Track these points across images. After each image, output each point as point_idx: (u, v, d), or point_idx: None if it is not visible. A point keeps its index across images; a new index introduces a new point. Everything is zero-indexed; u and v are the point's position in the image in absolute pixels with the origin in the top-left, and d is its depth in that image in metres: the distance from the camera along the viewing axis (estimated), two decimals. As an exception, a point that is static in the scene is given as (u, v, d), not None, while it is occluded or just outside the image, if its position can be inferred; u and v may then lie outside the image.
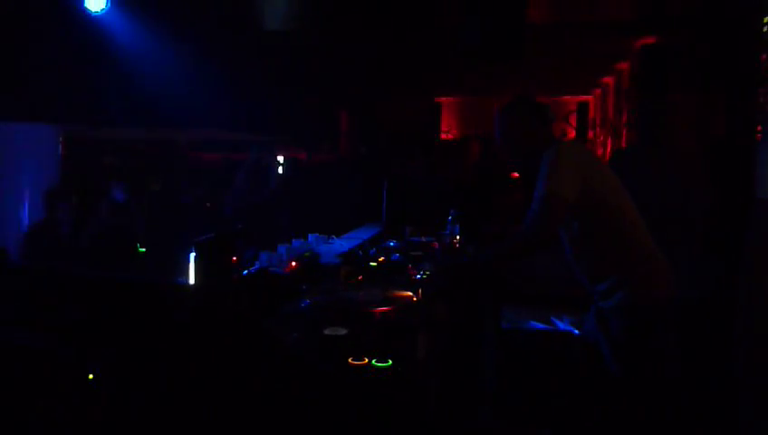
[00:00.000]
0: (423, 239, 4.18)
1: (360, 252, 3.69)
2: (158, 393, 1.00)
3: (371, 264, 3.29)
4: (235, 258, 3.14)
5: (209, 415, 1.05)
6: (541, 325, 3.98)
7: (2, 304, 1.14)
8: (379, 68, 8.79)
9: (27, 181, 5.92)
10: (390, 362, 1.81)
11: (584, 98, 11.46)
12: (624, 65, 8.82)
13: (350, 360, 1.79)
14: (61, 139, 6.43)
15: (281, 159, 9.43)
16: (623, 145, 8.22)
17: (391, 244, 3.96)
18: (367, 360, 1.81)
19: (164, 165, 8.85)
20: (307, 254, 3.43)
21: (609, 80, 10.12)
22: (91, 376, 0.93)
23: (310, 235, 4.16)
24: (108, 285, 1.10)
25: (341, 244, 4.13)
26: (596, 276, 2.64)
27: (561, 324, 3.98)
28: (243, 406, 1.07)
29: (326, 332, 2.00)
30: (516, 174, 8.43)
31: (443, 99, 10.92)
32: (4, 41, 5.60)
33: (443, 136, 10.39)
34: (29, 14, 5.63)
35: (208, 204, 6.88)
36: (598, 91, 11.14)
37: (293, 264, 3.16)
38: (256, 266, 3.13)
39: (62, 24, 5.80)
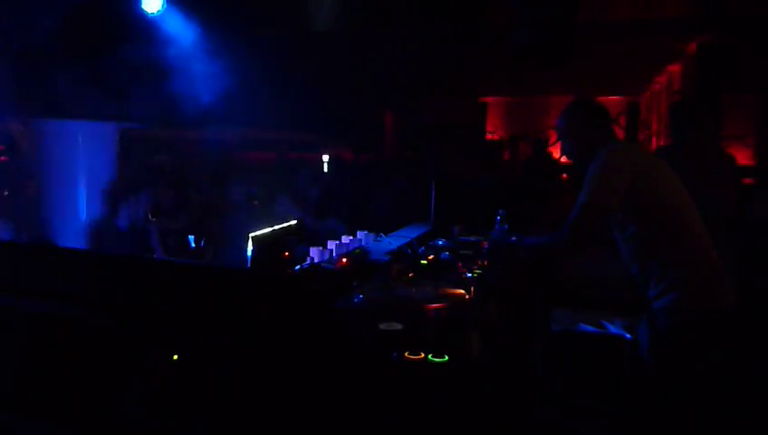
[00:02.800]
0: (472, 239, 4.18)
1: (409, 250, 3.71)
2: (230, 373, 1.03)
3: (422, 261, 3.31)
4: (287, 253, 3.21)
5: (273, 397, 1.08)
6: (591, 328, 3.91)
7: (84, 289, 1.19)
8: (424, 68, 8.78)
9: (86, 178, 6.14)
10: (447, 357, 1.82)
11: (634, 98, 11.19)
12: (677, 65, 8.58)
13: (406, 354, 1.81)
14: (118, 137, 6.66)
15: (326, 157, 9.54)
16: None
17: (440, 242, 3.97)
18: (423, 355, 1.82)
19: (214, 163, 9.05)
20: (357, 251, 3.47)
21: (661, 79, 9.86)
22: (176, 357, 0.97)
23: (358, 232, 4.21)
24: (180, 272, 1.14)
25: (390, 242, 4.16)
26: (649, 277, 2.59)
27: (612, 328, 3.90)
28: (302, 391, 1.09)
29: (381, 326, 2.03)
30: (566, 175, 8.31)
31: (488, 99, 10.83)
32: (65, 42, 5.84)
33: (488, 136, 10.30)
34: (89, 15, 5.85)
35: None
36: (649, 91, 10.87)
37: (344, 260, 3.20)
38: (308, 262, 3.19)
39: (121, 25, 6.00)
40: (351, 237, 4.10)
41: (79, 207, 6.27)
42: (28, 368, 1.16)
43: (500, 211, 4.17)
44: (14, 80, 5.85)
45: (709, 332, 2.47)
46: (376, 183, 7.80)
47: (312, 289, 1.03)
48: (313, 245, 3.57)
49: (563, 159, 9.49)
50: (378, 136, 10.60)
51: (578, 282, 4.23)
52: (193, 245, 6.33)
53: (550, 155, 8.59)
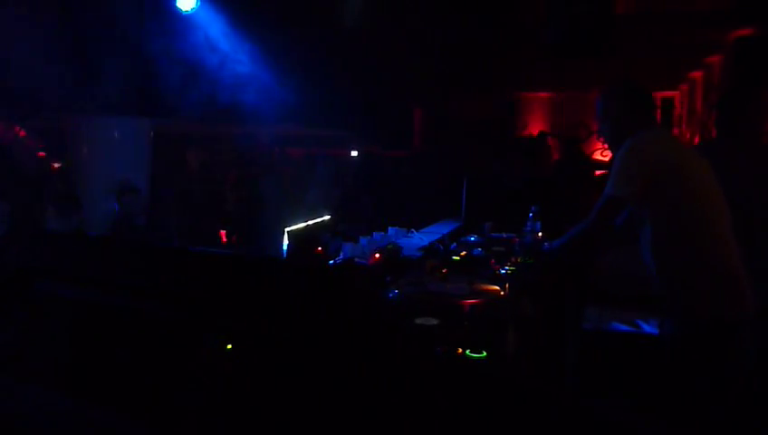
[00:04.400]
0: (504, 235, 4.15)
1: (441, 246, 3.71)
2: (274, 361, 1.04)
3: (454, 257, 3.30)
4: (320, 248, 3.23)
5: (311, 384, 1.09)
6: (624, 327, 3.85)
7: (142, 281, 1.22)
8: (455, 64, 8.74)
9: (120, 173, 6.25)
10: (485, 353, 1.81)
11: (669, 93, 10.95)
12: (715, 58, 8.37)
13: (443, 349, 1.81)
14: (151, 133, 6.77)
15: (355, 154, 9.56)
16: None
17: (471, 239, 3.96)
18: (461, 350, 1.82)
19: (246, 159, 9.16)
20: (390, 246, 3.47)
21: (697, 74, 9.64)
22: (229, 346, 0.99)
23: (390, 228, 4.22)
24: (234, 263, 1.16)
25: (421, 238, 4.16)
26: (663, 277, 2.47)
27: (646, 327, 3.84)
28: (347, 381, 1.10)
29: (417, 321, 2.03)
30: (599, 172, 8.18)
31: (520, 95, 10.73)
32: (100, 38, 5.96)
33: (519, 132, 10.21)
34: (124, 13, 5.96)
35: (232, 195, 7.06)
36: (685, 86, 10.63)
37: (377, 256, 3.21)
38: (341, 257, 3.21)
39: (155, 22, 6.10)
40: (383, 233, 4.11)
41: (114, 204, 6.39)
42: (88, 356, 1.19)
43: (532, 208, 4.13)
44: (51, 77, 6.00)
45: (723, 340, 2.33)
46: (404, 179, 7.80)
47: (357, 282, 1.04)
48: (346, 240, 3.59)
49: (596, 155, 9.37)
50: (407, 132, 10.59)
51: (612, 280, 4.17)
52: (225, 240, 6.41)
53: (582, 152, 8.47)
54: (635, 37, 6.59)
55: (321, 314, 1.00)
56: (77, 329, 1.26)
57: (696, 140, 9.07)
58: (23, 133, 9.51)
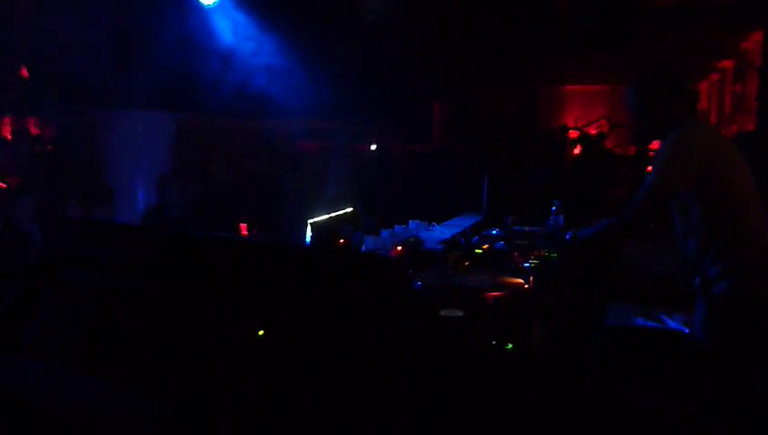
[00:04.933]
0: (526, 229, 4.12)
1: (462, 239, 3.69)
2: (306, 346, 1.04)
3: (477, 251, 3.28)
4: (342, 241, 3.24)
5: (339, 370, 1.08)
6: (650, 323, 3.80)
7: (161, 266, 1.23)
8: (475, 57, 8.68)
9: (144, 166, 6.33)
10: (511, 345, 1.80)
11: (695, 86, 10.76)
12: (747, 45, 8.18)
13: (468, 341, 1.80)
14: (173, 127, 6.83)
15: (374, 147, 9.56)
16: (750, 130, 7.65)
17: (494, 232, 3.93)
18: (494, 342, 1.81)
19: (266, 153, 9.19)
20: (412, 239, 3.46)
21: (727, 63, 9.45)
22: (261, 332, 0.99)
23: (411, 221, 4.21)
24: (267, 251, 1.15)
25: (442, 231, 4.15)
26: (704, 261, 2.49)
27: (671, 323, 3.78)
28: (379, 369, 1.09)
29: (442, 313, 2.02)
30: (621, 166, 8.09)
31: (541, 89, 10.61)
32: (124, 34, 6.02)
33: (540, 127, 10.11)
34: (147, 8, 6.01)
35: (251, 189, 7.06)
36: (716, 75, 10.42)
37: (399, 248, 3.20)
38: (363, 249, 3.21)
39: (177, 17, 6.14)
40: (404, 226, 4.10)
41: (138, 196, 6.46)
42: (118, 341, 1.21)
43: (555, 202, 4.10)
44: (77, 73, 6.08)
45: (760, 322, 2.38)
46: (424, 173, 7.78)
47: (388, 271, 1.03)
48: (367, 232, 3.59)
49: (619, 150, 9.23)
50: (426, 126, 10.55)
51: (637, 276, 4.12)
52: (246, 233, 6.45)
53: (605, 146, 8.38)
54: (662, 28, 6.47)
55: (353, 302, 1.00)
56: (108, 315, 1.27)
57: (725, 129, 8.91)
58: (36, 130, 9.64)
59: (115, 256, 1.30)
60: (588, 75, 9.55)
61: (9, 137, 7.57)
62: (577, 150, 8.86)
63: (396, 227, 4.02)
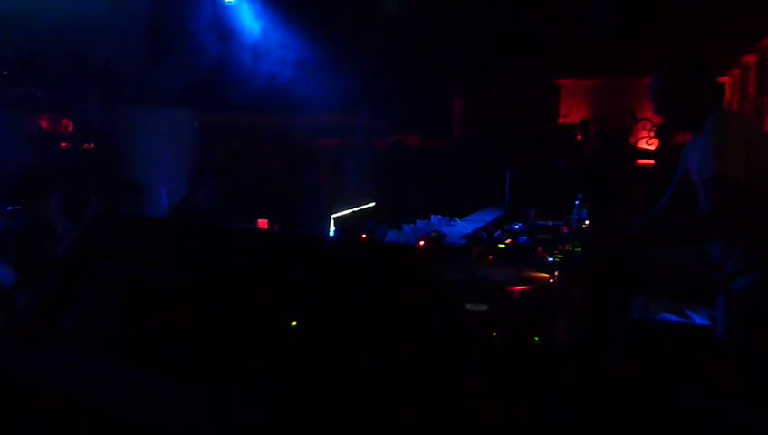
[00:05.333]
0: (550, 223, 4.10)
1: (485, 234, 3.68)
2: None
3: (499, 245, 3.27)
4: (364, 235, 3.25)
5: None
6: (674, 318, 3.76)
7: (191, 258, 1.25)
8: (495, 51, 8.62)
9: (167, 163, 6.40)
10: (537, 338, 1.80)
11: (719, 79, 10.57)
12: (769, 41, 8.03)
13: (494, 335, 1.80)
14: (195, 123, 6.90)
15: (393, 143, 9.55)
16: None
17: (516, 227, 3.91)
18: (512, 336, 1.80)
19: (285, 149, 9.23)
20: (434, 234, 3.47)
21: (750, 58, 9.26)
22: (293, 323, 1.00)
23: (432, 216, 4.21)
24: (298, 243, 1.17)
25: (464, 226, 4.15)
26: (729, 256, 2.36)
27: (697, 318, 3.73)
28: (407, 361, 1.10)
29: (468, 307, 2.02)
30: (643, 161, 8.00)
31: (562, 82, 10.51)
32: (148, 33, 6.09)
33: (561, 120, 10.01)
34: (170, 7, 6.07)
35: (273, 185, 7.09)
36: (736, 71, 10.23)
37: (421, 243, 3.21)
38: (385, 244, 3.22)
39: (198, 14, 6.19)
40: (426, 221, 4.11)
41: (161, 192, 6.53)
42: (159, 333, 1.23)
43: (578, 196, 4.07)
44: (105, 70, 6.17)
45: None
46: (444, 168, 7.76)
47: (420, 262, 1.03)
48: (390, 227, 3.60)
49: (641, 144, 9.08)
50: (446, 121, 10.51)
51: (661, 270, 4.07)
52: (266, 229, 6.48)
53: (627, 141, 8.29)
54: (684, 20, 6.37)
55: (383, 292, 1.00)
56: (140, 307, 1.30)
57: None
58: (70, 127, 9.81)
59: (147, 248, 1.33)
60: (609, 68, 9.43)
61: (43, 133, 7.72)
62: (598, 144, 8.78)
63: (417, 222, 4.03)
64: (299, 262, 1.06)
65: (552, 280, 2.50)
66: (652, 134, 8.98)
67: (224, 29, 6.42)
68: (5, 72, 6.29)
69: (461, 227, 4.06)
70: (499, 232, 3.74)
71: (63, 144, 9.24)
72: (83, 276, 1.37)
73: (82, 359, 1.24)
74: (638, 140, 9.12)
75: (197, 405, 1.02)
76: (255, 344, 1.08)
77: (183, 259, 1.26)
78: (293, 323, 1.02)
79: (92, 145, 9.45)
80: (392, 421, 1.05)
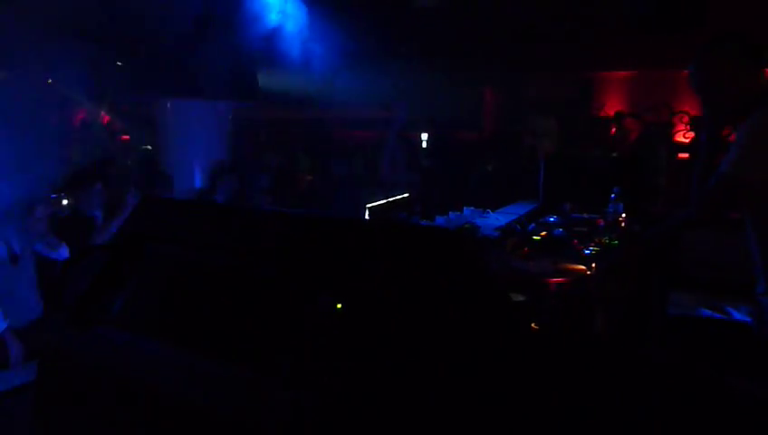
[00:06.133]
0: (585, 216, 4.05)
1: (518, 226, 3.65)
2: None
3: (534, 237, 3.24)
4: (398, 226, 3.24)
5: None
6: (713, 314, 3.68)
7: (239, 241, 1.27)
8: (527, 42, 8.50)
9: (200, 154, 6.48)
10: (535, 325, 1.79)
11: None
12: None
13: (533, 325, 1.79)
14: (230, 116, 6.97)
15: (425, 136, 9.53)
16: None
17: (551, 219, 3.88)
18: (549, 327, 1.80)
19: (315, 141, 9.30)
20: (467, 225, 3.45)
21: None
22: (339, 305, 1.01)
23: (465, 208, 4.19)
24: (345, 225, 1.18)
25: (497, 218, 4.12)
26: (764, 267, 2.23)
27: (737, 314, 3.65)
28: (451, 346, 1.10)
29: (505, 297, 2.01)
30: (684, 154, 7.81)
31: (596, 74, 10.32)
32: (181, 27, 6.17)
33: (595, 113, 9.84)
34: (204, 2, 6.14)
35: (309, 177, 7.16)
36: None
37: (455, 234, 3.19)
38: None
39: (228, 7, 6.25)
40: (458, 213, 4.09)
41: (195, 184, 6.63)
42: (207, 315, 1.26)
43: (615, 189, 4.01)
44: (137, 64, 6.28)
45: None
46: (475, 160, 7.72)
47: (467, 246, 1.03)
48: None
49: (678, 137, 8.84)
50: (477, 113, 10.44)
51: (702, 265, 3.98)
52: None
53: (666, 133, 8.11)
54: (727, 9, 6.18)
55: (433, 276, 1.01)
56: (188, 289, 1.33)
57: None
58: (107, 118, 10.02)
59: (195, 231, 1.36)
60: (647, 60, 9.21)
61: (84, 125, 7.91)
62: (634, 136, 8.61)
63: (450, 213, 4.02)
64: (346, 244, 1.08)
65: (589, 272, 2.48)
66: (689, 127, 8.79)
67: (259, 21, 6.47)
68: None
69: (494, 220, 4.04)
70: (533, 224, 3.71)
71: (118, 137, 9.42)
72: (132, 259, 1.41)
73: (131, 338, 1.28)
74: (675, 133, 8.93)
75: (245, 385, 1.05)
76: (301, 326, 1.10)
77: (231, 242, 1.29)
78: (339, 306, 1.03)
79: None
80: (434, 406, 1.06)
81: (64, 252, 3.73)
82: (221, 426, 1.04)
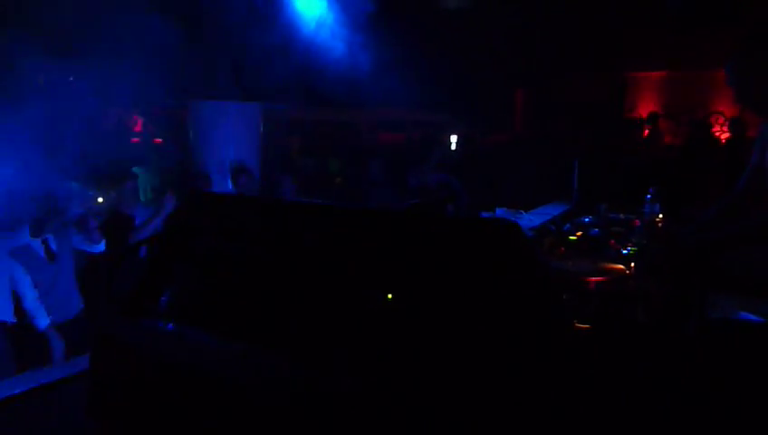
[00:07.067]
0: (621, 216, 3.98)
1: (553, 226, 3.62)
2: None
3: (570, 238, 3.21)
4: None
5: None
6: (754, 317, 3.58)
7: (284, 235, 1.29)
8: (558, 42, 8.43)
9: (233, 153, 6.56)
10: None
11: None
12: None
13: (575, 323, 1.78)
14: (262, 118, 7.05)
15: (454, 138, 9.51)
16: None
17: (586, 220, 3.83)
18: (588, 325, 1.78)
19: (345, 143, 9.35)
20: (502, 225, 3.43)
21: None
22: (389, 296, 1.02)
23: (498, 209, 4.17)
24: (393, 218, 1.18)
25: (531, 218, 4.09)
26: None
27: (780, 319, 3.55)
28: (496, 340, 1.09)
29: (545, 295, 1.99)
30: (725, 155, 7.63)
31: (629, 74, 10.17)
32: (217, 30, 6.27)
33: (628, 114, 9.70)
34: (237, 4, 6.23)
35: (339, 179, 7.19)
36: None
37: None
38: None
39: (262, 8, 6.32)
40: (491, 213, 4.08)
41: (227, 186, 6.71)
42: (254, 307, 1.28)
43: (651, 189, 3.94)
44: (172, 64, 6.39)
45: None
46: (506, 161, 7.67)
47: (516, 239, 1.03)
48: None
49: (725, 136, 8.65)
50: (507, 115, 10.38)
51: (744, 267, 3.88)
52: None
53: (707, 132, 7.95)
54: (760, 4, 6.04)
55: (479, 268, 1.01)
56: (236, 281, 1.35)
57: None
58: (139, 122, 10.22)
59: (240, 225, 1.38)
60: (681, 59, 9.05)
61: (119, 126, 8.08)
62: (668, 137, 8.47)
63: (483, 214, 4.00)
64: (396, 237, 1.08)
65: (628, 272, 2.44)
66: (725, 128, 8.62)
67: (289, 24, 6.54)
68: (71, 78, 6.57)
69: (527, 220, 4.01)
70: (568, 225, 3.67)
71: (135, 139, 9.62)
72: (179, 251, 1.44)
73: (180, 329, 1.30)
74: (711, 133, 8.76)
75: (296, 374, 1.06)
76: (351, 317, 1.10)
77: (277, 235, 1.30)
78: (389, 296, 1.04)
79: (162, 140, 9.84)
80: (480, 399, 1.05)
81: (102, 246, 3.82)
82: (268, 411, 1.06)
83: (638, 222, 3.62)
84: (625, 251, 2.91)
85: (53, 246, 3.60)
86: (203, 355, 1.21)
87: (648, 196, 3.95)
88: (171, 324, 1.32)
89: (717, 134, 8.72)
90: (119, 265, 3.30)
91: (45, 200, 3.50)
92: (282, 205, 1.49)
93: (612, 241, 3.11)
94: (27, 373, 2.92)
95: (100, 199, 4.58)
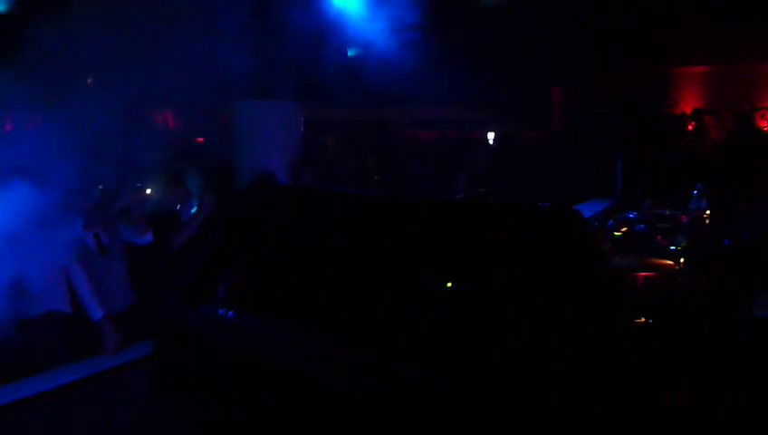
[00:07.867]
0: (668, 212, 3.91)
1: (596, 223, 3.58)
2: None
3: (615, 233, 3.18)
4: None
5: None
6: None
7: (345, 227, 1.32)
8: (597, 39, 8.28)
9: (275, 153, 6.63)
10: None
11: None
12: None
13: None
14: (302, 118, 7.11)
15: (491, 135, 9.45)
16: None
17: (630, 216, 3.77)
18: (644, 319, 1.77)
19: (380, 142, 9.36)
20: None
21: None
22: (449, 284, 1.04)
23: (539, 204, 4.14)
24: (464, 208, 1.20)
25: (572, 215, 4.05)
26: None
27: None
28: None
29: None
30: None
31: (670, 70, 9.91)
32: (257, 32, 6.34)
33: (669, 110, 9.46)
34: (277, 6, 6.29)
35: (376, 177, 7.20)
36: None
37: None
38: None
39: (295, 9, 6.37)
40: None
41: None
42: (313, 294, 1.31)
43: (697, 186, 3.86)
44: (212, 64, 6.49)
45: None
46: (543, 158, 7.58)
47: (582, 228, 1.03)
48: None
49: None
50: (545, 112, 10.25)
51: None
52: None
53: (755, 127, 7.72)
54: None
55: (545, 252, 1.01)
56: (294, 270, 1.38)
57: None
58: (172, 123, 10.39)
59: (299, 215, 1.41)
60: (725, 54, 8.79)
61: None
62: (713, 133, 8.25)
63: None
64: (459, 224, 1.10)
65: (677, 267, 2.41)
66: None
67: (326, 23, 6.57)
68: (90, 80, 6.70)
69: (569, 216, 3.97)
70: (612, 221, 3.62)
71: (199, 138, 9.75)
72: (239, 242, 1.48)
73: (239, 315, 1.34)
74: (758, 130, 8.49)
75: (357, 361, 1.08)
76: (415, 304, 1.13)
77: (336, 225, 1.33)
78: (449, 285, 1.06)
79: (202, 139, 10.00)
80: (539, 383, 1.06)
81: (149, 237, 3.91)
82: (332, 397, 1.09)
83: (685, 218, 3.56)
84: (673, 247, 2.87)
85: (105, 239, 3.70)
86: (265, 342, 1.24)
87: (695, 192, 3.88)
88: (231, 311, 1.36)
89: (766, 129, 8.45)
90: (168, 256, 3.38)
91: (97, 194, 3.60)
92: (337, 195, 1.52)
93: (659, 237, 3.06)
94: (82, 362, 3.03)
95: (148, 191, 4.65)
